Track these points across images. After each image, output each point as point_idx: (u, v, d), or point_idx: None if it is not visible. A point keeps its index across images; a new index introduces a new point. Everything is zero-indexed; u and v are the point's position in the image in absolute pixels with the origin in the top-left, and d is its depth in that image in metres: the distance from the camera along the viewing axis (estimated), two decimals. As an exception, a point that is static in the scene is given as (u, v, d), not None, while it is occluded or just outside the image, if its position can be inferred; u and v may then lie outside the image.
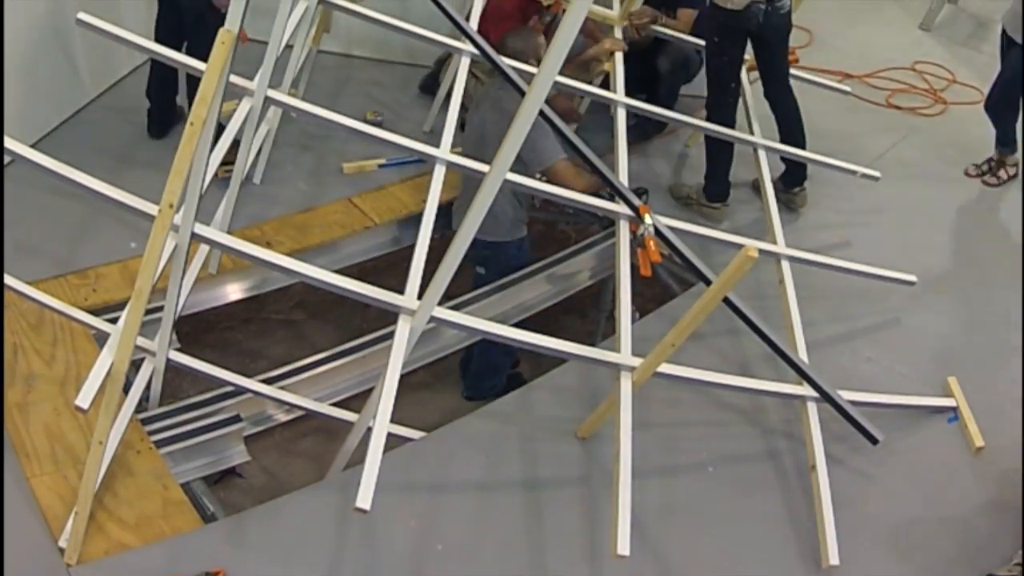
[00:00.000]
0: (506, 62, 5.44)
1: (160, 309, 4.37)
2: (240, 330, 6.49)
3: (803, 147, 6.54)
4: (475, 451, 4.72)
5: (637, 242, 4.65)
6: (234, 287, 5.76)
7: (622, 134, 5.79)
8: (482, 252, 5.65)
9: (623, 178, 5.43)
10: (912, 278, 5.92)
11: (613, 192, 5.09)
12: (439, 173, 4.90)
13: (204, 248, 5.19)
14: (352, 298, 4.13)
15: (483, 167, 4.93)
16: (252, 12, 4.07)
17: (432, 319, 4.03)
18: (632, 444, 4.08)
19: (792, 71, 7.05)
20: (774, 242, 5.76)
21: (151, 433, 4.59)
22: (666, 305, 5.89)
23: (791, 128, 6.56)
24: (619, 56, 6.38)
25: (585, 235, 6.68)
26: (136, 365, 4.54)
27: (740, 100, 6.62)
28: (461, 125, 5.57)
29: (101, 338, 4.68)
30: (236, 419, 4.90)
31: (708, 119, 6.41)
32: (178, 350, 4.76)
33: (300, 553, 4.08)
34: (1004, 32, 6.94)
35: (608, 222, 6.17)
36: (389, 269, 6.22)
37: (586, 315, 7.02)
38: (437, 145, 5.12)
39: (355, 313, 6.35)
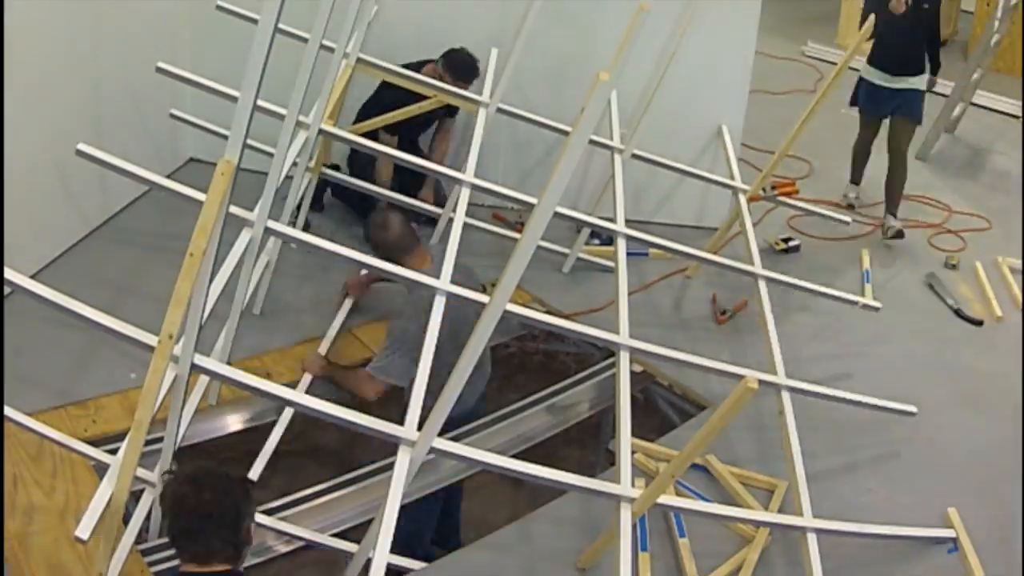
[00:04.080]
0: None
1: (160, 440, 4.37)
2: (240, 461, 6.47)
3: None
4: (475, 583, 4.69)
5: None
6: (234, 418, 5.75)
7: (623, 263, 5.82)
8: None
9: (622, 310, 5.45)
10: (912, 409, 5.92)
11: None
12: (439, 304, 4.92)
13: (204, 379, 5.20)
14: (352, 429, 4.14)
15: (484, 298, 4.98)
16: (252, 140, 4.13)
17: (432, 450, 4.03)
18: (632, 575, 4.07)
19: (791, 201, 7.14)
20: (774, 372, 5.77)
21: (151, 564, 4.55)
22: (666, 435, 5.87)
23: None
24: (618, 172, 6.48)
25: (585, 365, 6.68)
26: (136, 496, 4.53)
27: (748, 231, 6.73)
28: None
29: (101, 469, 4.66)
30: (235, 550, 4.87)
31: None
32: (178, 480, 4.75)
33: None
34: None
35: (608, 352, 6.19)
36: (390, 400, 6.22)
37: (586, 446, 7.00)
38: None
39: (356, 443, 6.34)
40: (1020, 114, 11.30)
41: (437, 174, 6.24)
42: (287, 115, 5.02)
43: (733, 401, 3.83)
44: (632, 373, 5.27)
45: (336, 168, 7.14)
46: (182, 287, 3.58)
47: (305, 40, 5.01)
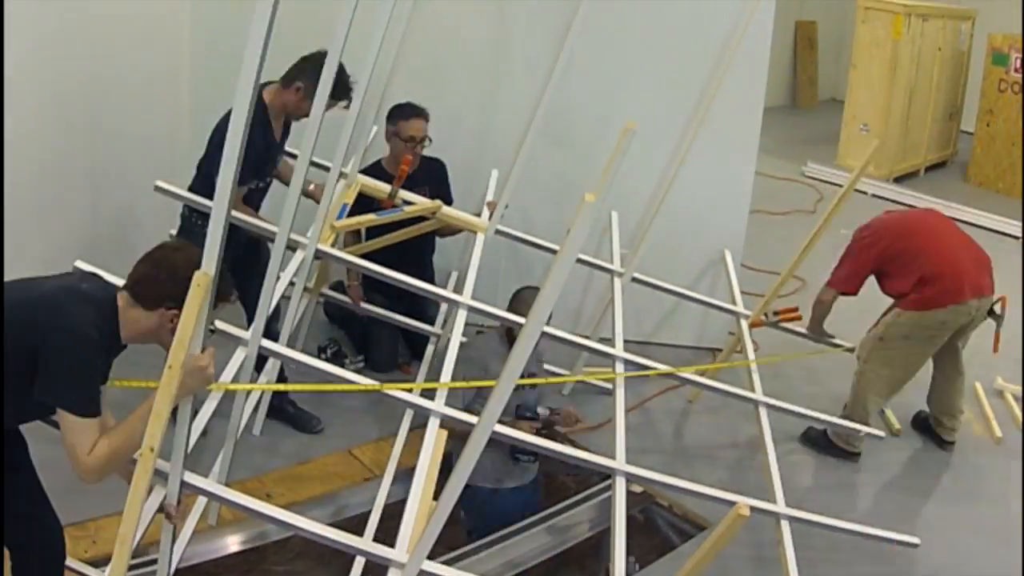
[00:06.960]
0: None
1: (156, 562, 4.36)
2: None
3: None
4: None
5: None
6: (233, 539, 5.73)
7: (620, 388, 5.82)
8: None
9: (619, 435, 5.44)
10: (915, 540, 5.84)
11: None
12: (433, 425, 4.92)
13: (203, 499, 5.19)
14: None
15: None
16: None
17: (422, 573, 4.00)
18: None
19: (794, 328, 7.13)
20: (774, 500, 5.72)
21: None
22: (666, 556, 5.84)
23: None
24: (618, 296, 6.47)
25: (584, 486, 6.65)
26: (131, 615, 4.51)
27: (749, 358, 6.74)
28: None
29: (100, 590, 4.65)
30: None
31: None
32: (175, 601, 4.73)
33: None
34: None
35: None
36: (392, 520, 6.20)
37: (585, 567, 6.95)
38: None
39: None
40: (1020, 235, 11.36)
41: (433, 295, 6.24)
42: (277, 235, 5.06)
43: (725, 527, 3.82)
44: (632, 493, 5.28)
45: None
46: (160, 400, 3.59)
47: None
